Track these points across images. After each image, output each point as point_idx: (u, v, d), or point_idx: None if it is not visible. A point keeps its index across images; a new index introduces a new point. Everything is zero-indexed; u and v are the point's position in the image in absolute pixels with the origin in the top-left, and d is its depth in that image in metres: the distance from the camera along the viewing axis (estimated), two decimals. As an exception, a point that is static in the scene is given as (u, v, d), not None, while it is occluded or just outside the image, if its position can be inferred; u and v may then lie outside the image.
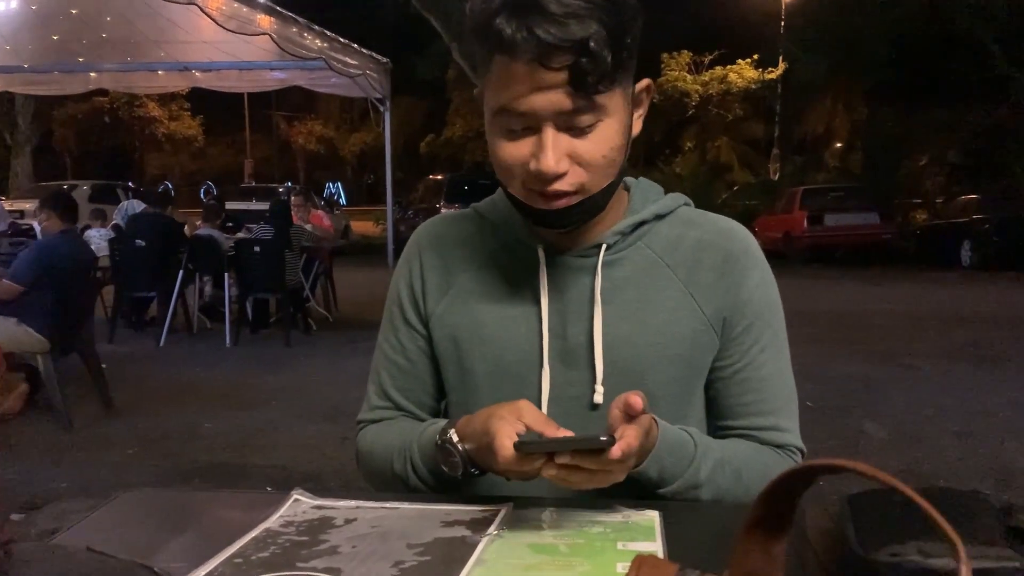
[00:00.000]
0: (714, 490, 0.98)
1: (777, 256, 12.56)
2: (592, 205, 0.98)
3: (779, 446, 1.06)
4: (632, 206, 1.08)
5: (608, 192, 0.99)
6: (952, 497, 0.71)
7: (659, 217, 1.08)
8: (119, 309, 7.53)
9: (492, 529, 0.85)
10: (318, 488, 0.97)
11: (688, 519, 0.90)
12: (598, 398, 1.02)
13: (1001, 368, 6.01)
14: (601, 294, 1.03)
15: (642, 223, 1.07)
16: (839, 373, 5.76)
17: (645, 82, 1.01)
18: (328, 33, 9.29)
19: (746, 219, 9.68)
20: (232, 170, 36.59)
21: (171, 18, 8.72)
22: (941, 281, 12.13)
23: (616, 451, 0.80)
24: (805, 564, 0.76)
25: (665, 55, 25.23)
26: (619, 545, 0.81)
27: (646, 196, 1.10)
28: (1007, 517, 0.68)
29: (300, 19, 8.65)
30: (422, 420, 1.13)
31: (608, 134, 0.94)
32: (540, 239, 1.06)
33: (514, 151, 0.94)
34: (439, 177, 19.44)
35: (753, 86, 24.86)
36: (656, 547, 0.80)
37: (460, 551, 0.80)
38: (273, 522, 0.89)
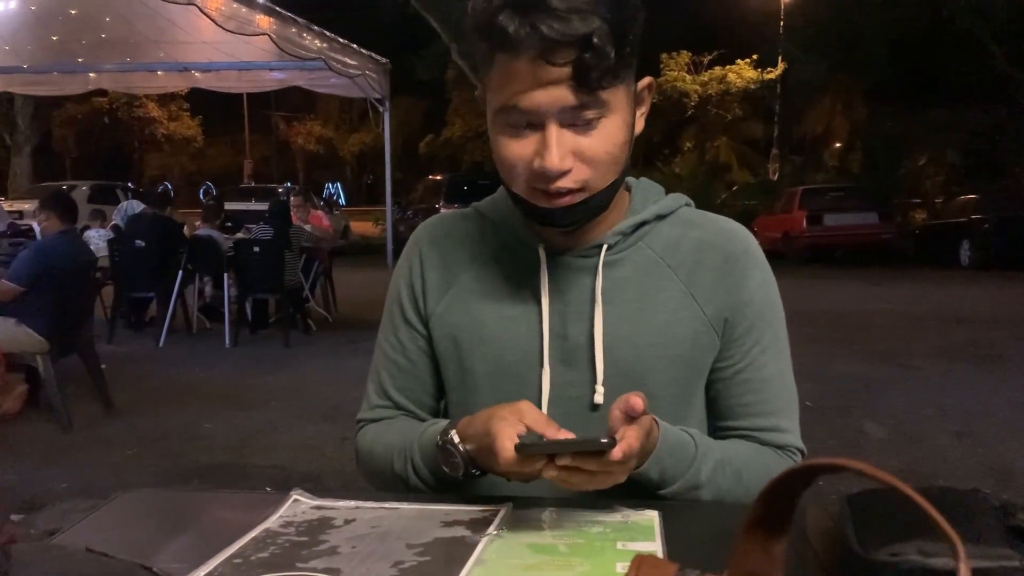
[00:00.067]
0: (715, 491, 0.98)
1: (776, 256, 12.53)
2: (595, 203, 0.98)
3: (780, 447, 1.06)
4: (633, 206, 1.08)
5: (611, 190, 0.99)
6: (952, 497, 0.71)
7: (660, 217, 1.08)
8: (118, 309, 7.52)
9: (492, 529, 0.85)
10: (318, 488, 0.97)
11: (688, 519, 0.90)
12: (598, 399, 1.02)
13: (1001, 368, 6.00)
14: (602, 294, 1.03)
15: (643, 223, 1.06)
16: (839, 373, 5.76)
17: (647, 80, 1.01)
18: (327, 33, 9.29)
19: (745, 219, 9.68)
20: (231, 170, 36.58)
21: (170, 18, 8.70)
22: (940, 281, 12.12)
23: (617, 452, 0.80)
24: (805, 564, 0.76)
25: (664, 55, 25.19)
26: (619, 545, 0.81)
27: (647, 196, 1.10)
28: (1007, 517, 0.67)
29: (299, 19, 8.65)
30: (422, 420, 1.13)
31: (612, 130, 0.93)
32: (541, 239, 1.06)
33: (518, 149, 0.94)
34: (438, 177, 19.40)
35: (752, 86, 24.82)
36: (656, 547, 0.80)
37: (460, 551, 0.80)
38: (273, 522, 0.89)
